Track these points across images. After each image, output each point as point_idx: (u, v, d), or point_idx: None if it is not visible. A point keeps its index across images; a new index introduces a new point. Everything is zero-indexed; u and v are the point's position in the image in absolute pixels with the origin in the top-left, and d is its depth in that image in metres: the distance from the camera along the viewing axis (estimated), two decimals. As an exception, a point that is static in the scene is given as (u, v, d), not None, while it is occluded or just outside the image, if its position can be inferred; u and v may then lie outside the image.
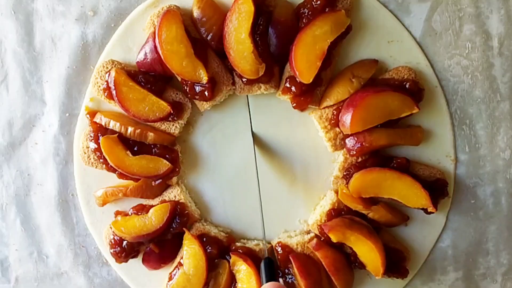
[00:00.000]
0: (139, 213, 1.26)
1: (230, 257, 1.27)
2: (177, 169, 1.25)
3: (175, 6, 1.22)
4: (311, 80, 1.19)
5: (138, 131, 1.23)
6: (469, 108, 1.30)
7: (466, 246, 1.34)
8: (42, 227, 1.34)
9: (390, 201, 1.25)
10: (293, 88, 1.23)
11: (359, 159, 1.26)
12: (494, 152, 1.31)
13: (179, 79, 1.23)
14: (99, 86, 1.24)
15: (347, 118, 1.20)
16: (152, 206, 1.26)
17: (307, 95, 1.24)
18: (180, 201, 1.27)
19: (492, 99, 1.30)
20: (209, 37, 1.22)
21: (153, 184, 1.26)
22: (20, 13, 1.28)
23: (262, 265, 1.16)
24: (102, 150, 1.20)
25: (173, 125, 1.26)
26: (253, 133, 1.31)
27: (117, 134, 1.23)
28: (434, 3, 1.27)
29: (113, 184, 1.28)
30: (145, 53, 1.21)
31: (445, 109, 1.29)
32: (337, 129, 1.25)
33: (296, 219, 1.34)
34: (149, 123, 1.25)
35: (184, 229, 1.26)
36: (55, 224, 1.34)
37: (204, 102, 1.25)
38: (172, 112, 1.22)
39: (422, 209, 1.24)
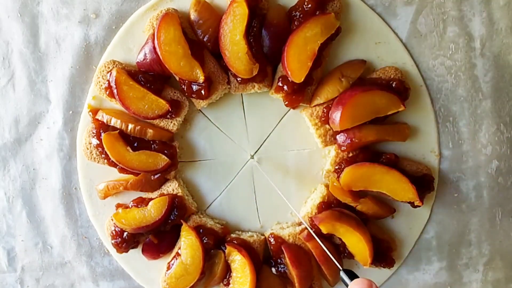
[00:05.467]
0: (139, 206, 1.27)
1: (226, 248, 1.29)
2: (175, 164, 1.27)
3: (173, 9, 1.24)
4: (302, 80, 1.21)
5: (138, 127, 1.24)
6: (452, 106, 1.32)
7: (450, 237, 1.36)
8: (47, 219, 1.35)
9: (378, 194, 1.27)
10: (285, 87, 1.24)
11: (350, 154, 1.28)
12: (476, 148, 1.33)
13: (177, 78, 1.24)
14: (101, 85, 1.25)
15: (336, 115, 1.22)
16: (151, 199, 1.27)
17: (299, 94, 1.25)
18: (178, 194, 1.29)
19: (474, 97, 1.32)
20: (205, 39, 1.24)
21: (152, 178, 1.28)
22: (26, 15, 1.29)
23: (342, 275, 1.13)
24: (104, 146, 1.22)
25: (171, 122, 1.27)
26: (247, 130, 1.33)
27: (118, 130, 1.24)
28: (419, 6, 1.28)
29: (114, 178, 1.30)
30: (145, 54, 1.23)
31: (430, 107, 1.31)
32: (327, 126, 1.27)
33: (288, 212, 1.35)
34: (148, 120, 1.27)
35: (181, 221, 1.27)
36: (59, 216, 1.35)
37: (201, 100, 1.26)
38: (170, 109, 1.23)
39: (409, 202, 1.26)
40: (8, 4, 1.29)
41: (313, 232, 1.26)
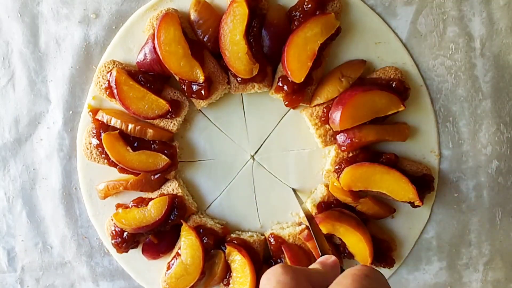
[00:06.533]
0: (139, 206, 1.27)
1: (226, 248, 1.29)
2: (175, 164, 1.27)
3: (173, 9, 1.24)
4: (302, 80, 1.20)
5: (138, 127, 1.24)
6: (452, 106, 1.32)
7: (450, 237, 1.36)
8: (47, 219, 1.35)
9: (379, 194, 1.27)
10: (285, 87, 1.24)
11: (350, 154, 1.28)
12: (476, 148, 1.33)
13: (177, 78, 1.24)
14: (101, 85, 1.25)
15: (336, 115, 1.22)
16: (151, 199, 1.27)
17: (299, 94, 1.25)
18: (178, 194, 1.29)
19: (474, 97, 1.32)
20: (205, 39, 1.24)
21: (152, 178, 1.28)
22: (26, 15, 1.29)
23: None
24: (104, 146, 1.22)
25: (171, 122, 1.27)
26: (247, 130, 1.33)
27: (118, 130, 1.24)
28: (419, 6, 1.28)
29: (114, 178, 1.30)
30: (145, 54, 1.23)
31: (430, 107, 1.31)
32: (327, 126, 1.27)
33: (288, 212, 1.36)
34: (148, 120, 1.27)
35: (181, 221, 1.27)
36: (59, 216, 1.35)
37: (201, 100, 1.26)
38: (170, 109, 1.23)
39: (409, 202, 1.26)
40: (8, 4, 1.30)
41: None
